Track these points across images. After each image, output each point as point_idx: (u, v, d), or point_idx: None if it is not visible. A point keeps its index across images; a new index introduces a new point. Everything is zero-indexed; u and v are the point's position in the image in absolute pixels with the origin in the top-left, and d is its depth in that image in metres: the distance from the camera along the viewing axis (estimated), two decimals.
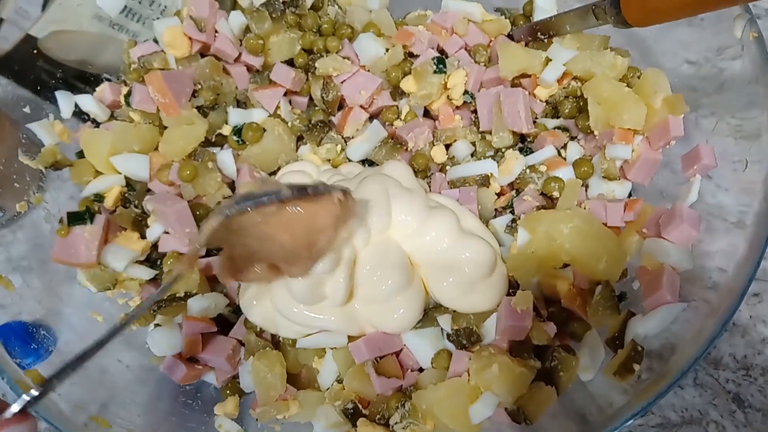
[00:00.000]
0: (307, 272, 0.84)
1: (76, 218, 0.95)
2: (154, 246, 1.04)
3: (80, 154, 1.07)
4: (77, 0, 1.18)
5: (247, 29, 1.14)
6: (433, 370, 0.87)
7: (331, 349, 0.92)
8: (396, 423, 0.85)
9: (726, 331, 1.14)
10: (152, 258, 1.05)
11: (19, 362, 0.88)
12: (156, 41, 1.14)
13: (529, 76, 1.09)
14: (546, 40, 1.09)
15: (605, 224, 0.93)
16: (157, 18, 1.19)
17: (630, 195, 1.01)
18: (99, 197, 1.04)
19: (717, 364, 1.11)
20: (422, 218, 0.92)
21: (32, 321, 1.00)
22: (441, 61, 1.07)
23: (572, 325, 0.89)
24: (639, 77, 1.04)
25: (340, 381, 0.91)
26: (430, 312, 0.91)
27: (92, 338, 1.06)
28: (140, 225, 1.04)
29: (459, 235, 0.91)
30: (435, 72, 1.06)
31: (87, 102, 1.09)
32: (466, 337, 0.87)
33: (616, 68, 1.00)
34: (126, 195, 1.05)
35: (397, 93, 1.13)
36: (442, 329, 0.91)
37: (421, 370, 0.91)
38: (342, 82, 1.11)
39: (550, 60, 1.06)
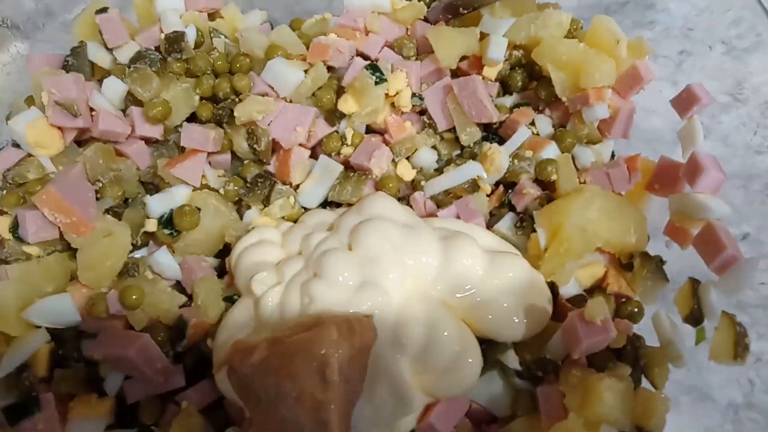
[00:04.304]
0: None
1: (18, 413, 0.71)
2: (120, 397, 0.81)
3: None
4: None
5: (128, 95, 0.91)
6: (521, 419, 0.76)
7: None
8: None
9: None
10: (123, 410, 0.82)
11: None
12: (16, 145, 0.87)
13: (467, 58, 0.98)
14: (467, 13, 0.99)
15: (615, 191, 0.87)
16: None
17: (613, 153, 0.96)
18: (23, 368, 0.78)
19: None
20: (440, 255, 0.79)
21: None
22: (375, 68, 0.93)
23: (626, 309, 0.82)
24: (581, 27, 0.98)
25: None
26: (487, 354, 0.79)
27: None
28: (92, 382, 0.80)
29: (489, 260, 0.80)
30: (376, 83, 0.91)
31: None
32: (539, 368, 0.77)
33: (562, 26, 0.93)
34: (58, 352, 0.80)
35: (334, 116, 0.97)
36: (504, 367, 0.80)
37: (494, 419, 0.81)
38: (269, 124, 0.92)
39: (487, 35, 0.96)
